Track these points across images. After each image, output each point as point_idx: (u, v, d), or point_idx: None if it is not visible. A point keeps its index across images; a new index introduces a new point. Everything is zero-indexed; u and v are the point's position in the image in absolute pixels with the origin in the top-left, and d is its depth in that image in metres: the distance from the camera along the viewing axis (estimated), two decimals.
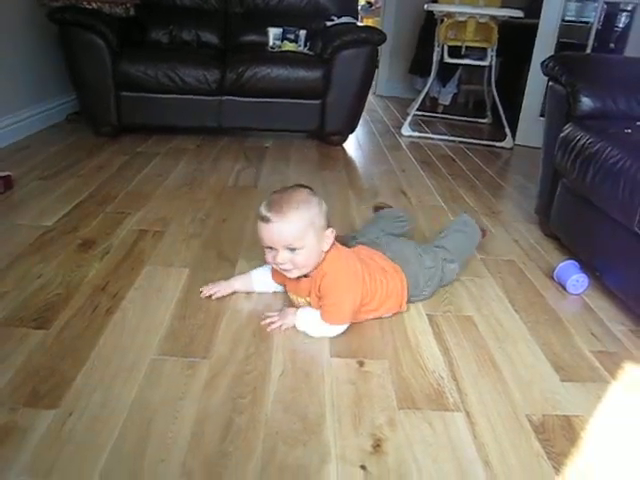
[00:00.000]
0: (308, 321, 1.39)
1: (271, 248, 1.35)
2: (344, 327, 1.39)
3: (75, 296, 1.49)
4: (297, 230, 1.30)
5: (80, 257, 1.70)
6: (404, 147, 3.40)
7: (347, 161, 3.04)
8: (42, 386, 1.14)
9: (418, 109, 3.99)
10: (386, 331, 1.43)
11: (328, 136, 3.25)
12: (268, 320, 1.41)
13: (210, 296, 1.52)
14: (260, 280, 1.55)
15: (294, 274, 1.38)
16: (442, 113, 4.48)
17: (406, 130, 3.71)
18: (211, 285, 1.54)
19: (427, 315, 1.52)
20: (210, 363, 1.25)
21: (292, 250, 1.32)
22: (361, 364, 1.28)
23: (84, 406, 1.10)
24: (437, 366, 1.31)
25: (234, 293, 1.55)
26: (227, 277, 1.58)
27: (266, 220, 1.31)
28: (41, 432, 1.03)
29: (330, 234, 1.37)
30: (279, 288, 1.56)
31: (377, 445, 1.05)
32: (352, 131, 3.32)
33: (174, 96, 3.04)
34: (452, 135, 3.71)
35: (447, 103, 4.68)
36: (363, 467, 1.00)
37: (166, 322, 1.39)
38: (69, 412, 1.08)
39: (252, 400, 1.14)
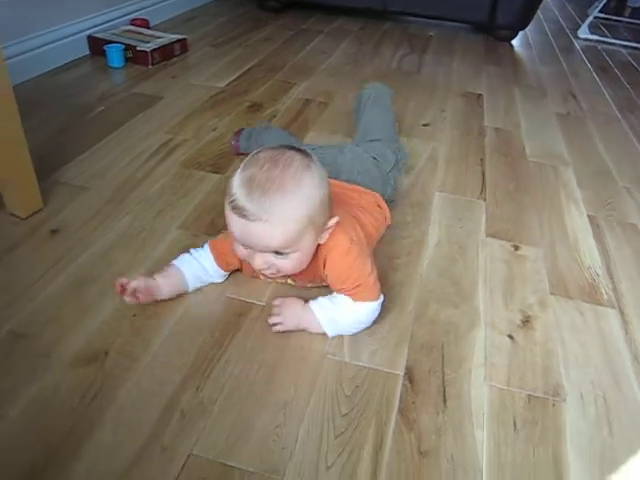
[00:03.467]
0: (337, 318, 0.97)
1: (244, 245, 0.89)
2: (378, 308, 0.98)
3: None
4: (290, 235, 0.84)
5: (250, 116, 1.80)
6: (579, 50, 3.12)
7: (515, 58, 2.86)
8: (219, 219, 1.26)
9: (600, 10, 3.61)
10: (544, 224, 1.40)
11: (497, 30, 3.05)
12: (273, 319, 0.98)
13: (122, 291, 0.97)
14: (196, 275, 1.03)
15: (276, 276, 0.96)
16: (629, 17, 4.02)
17: (583, 32, 3.38)
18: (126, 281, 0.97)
19: (588, 215, 1.46)
20: None
21: (278, 254, 0.88)
22: (516, 248, 1.28)
23: None
24: (594, 264, 1.28)
25: None
26: None
27: (241, 214, 0.82)
28: None
29: (334, 224, 0.92)
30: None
31: (526, 321, 1.07)
32: (524, 27, 3.08)
33: None
34: (638, 42, 3.34)
35: (637, 5, 4.18)
36: (510, 337, 1.03)
37: None
38: None
39: (407, 261, 1.20)
